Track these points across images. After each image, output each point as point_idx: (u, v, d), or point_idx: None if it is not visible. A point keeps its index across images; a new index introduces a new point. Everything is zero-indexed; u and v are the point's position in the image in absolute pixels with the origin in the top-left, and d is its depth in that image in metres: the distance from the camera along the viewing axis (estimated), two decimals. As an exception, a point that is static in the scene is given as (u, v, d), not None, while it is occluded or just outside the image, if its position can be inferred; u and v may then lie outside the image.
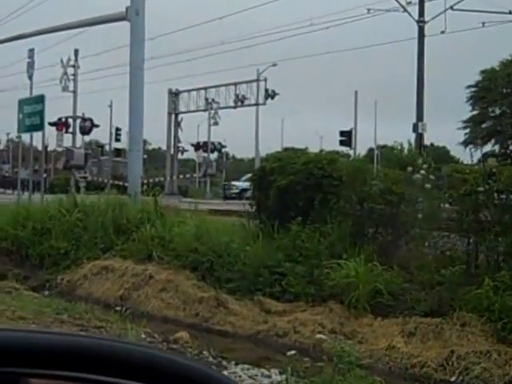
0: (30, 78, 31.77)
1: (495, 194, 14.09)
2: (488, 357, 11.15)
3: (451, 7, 35.43)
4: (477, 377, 10.95)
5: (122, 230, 20.25)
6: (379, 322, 13.17)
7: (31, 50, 32.59)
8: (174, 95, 47.17)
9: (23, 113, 27.43)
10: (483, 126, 63.54)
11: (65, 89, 37.74)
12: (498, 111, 62.99)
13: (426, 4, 36.01)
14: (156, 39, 36.20)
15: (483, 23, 36.90)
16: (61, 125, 36.34)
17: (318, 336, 13.19)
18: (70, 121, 37.14)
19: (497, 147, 63.19)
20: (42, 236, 21.34)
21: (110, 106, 57.36)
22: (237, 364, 11.80)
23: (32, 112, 26.92)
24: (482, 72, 61.94)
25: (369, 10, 36.01)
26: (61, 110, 38.40)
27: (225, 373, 11.07)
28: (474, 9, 35.61)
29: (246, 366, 11.65)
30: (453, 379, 11.09)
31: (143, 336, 12.93)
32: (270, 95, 43.69)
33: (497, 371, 10.87)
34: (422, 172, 15.88)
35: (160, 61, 42.32)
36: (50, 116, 33.56)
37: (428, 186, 15.76)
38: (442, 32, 35.78)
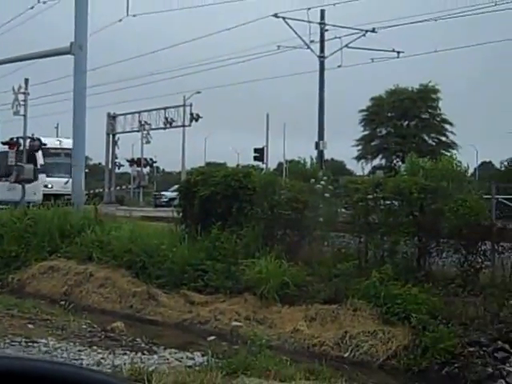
0: (-16, 103, 31.13)
1: (381, 201, 14.39)
2: (375, 335, 11.40)
3: (346, 45, 36.17)
4: (365, 352, 11.19)
5: (67, 234, 19.97)
6: (286, 309, 13.30)
7: (-15, 79, 31.93)
8: (112, 118, 46.61)
9: (-23, 134, 26.87)
10: (373, 143, 64.92)
11: (16, 113, 36.89)
12: (384, 131, 64.43)
13: (326, 42, 36.72)
14: (97, 70, 35.65)
15: (372, 59, 37.80)
16: (12, 144, 35.50)
17: (235, 323, 13.26)
18: (21, 140, 36.31)
19: (384, 161, 64.66)
20: (-5, 241, 20.77)
21: (56, 128, 56.54)
22: (165, 349, 11.74)
23: (-15, 133, 26.39)
24: (372, 99, 63.27)
25: (278, 46, 36.38)
26: (13, 131, 37.65)
27: (155, 356, 11.05)
28: (366, 47, 36.43)
29: (173, 350, 11.60)
30: (346, 355, 11.29)
31: (84, 326, 12.78)
32: (195, 118, 43.55)
33: (381, 347, 11.14)
34: (322, 183, 16.12)
35: (100, 88, 41.78)
36: (3, 136, 33.23)
37: (327, 194, 16.00)
38: (339, 66, 36.53)
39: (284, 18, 34.63)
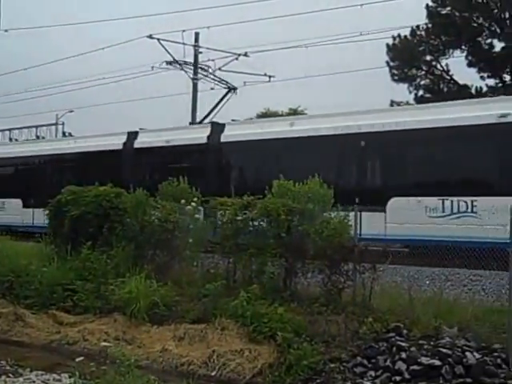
0: None
1: (250, 222, 14.62)
2: (241, 354, 11.54)
3: (219, 68, 36.63)
4: (232, 370, 11.31)
5: None
6: (155, 329, 13.27)
7: None
8: (-19, 134, 45.23)
9: None
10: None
11: None
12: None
13: (200, 65, 36.99)
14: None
15: (245, 82, 38.43)
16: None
17: (104, 343, 13.08)
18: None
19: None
20: None
21: None
22: (31, 371, 11.44)
23: None
24: (244, 121, 64.13)
25: (153, 67, 36.31)
26: None
27: (20, 379, 10.75)
28: (238, 70, 37.02)
29: (40, 372, 11.32)
30: (213, 373, 11.38)
31: None
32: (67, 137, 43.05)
33: (248, 365, 11.30)
34: (193, 204, 16.24)
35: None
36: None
37: (197, 215, 16.14)
38: (212, 88, 36.91)
39: (158, 40, 34.68)
